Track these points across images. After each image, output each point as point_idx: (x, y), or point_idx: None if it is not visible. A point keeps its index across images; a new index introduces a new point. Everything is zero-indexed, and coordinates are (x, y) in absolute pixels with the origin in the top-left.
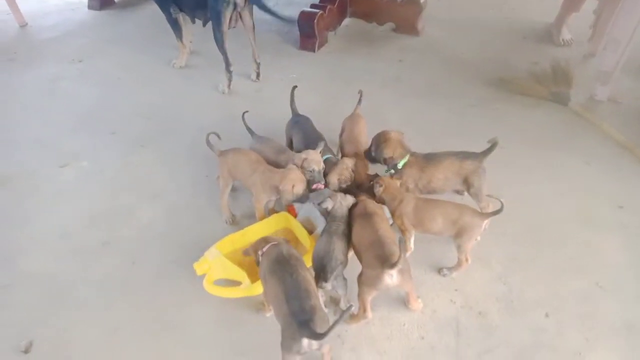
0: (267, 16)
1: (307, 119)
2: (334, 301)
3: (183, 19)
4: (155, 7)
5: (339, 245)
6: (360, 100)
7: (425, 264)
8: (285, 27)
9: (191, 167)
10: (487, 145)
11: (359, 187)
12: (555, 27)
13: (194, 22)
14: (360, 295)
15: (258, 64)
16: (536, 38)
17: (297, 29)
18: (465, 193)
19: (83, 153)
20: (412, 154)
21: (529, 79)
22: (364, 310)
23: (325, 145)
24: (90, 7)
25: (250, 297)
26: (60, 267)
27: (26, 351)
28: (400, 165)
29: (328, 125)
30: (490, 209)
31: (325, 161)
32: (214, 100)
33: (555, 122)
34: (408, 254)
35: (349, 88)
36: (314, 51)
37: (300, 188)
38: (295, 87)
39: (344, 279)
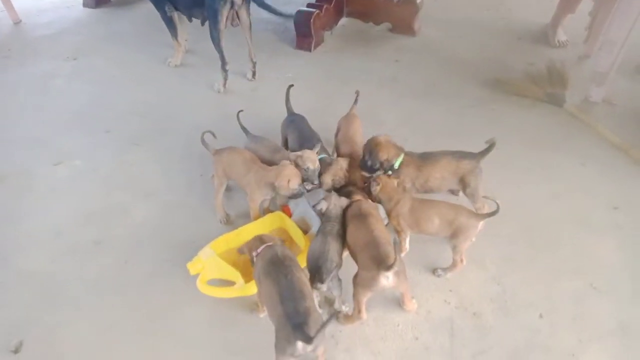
0: (264, 15)
1: (302, 118)
2: (328, 302)
3: (178, 17)
4: (150, 5)
5: (333, 245)
6: (356, 100)
7: (420, 265)
8: (281, 26)
9: (186, 166)
10: (484, 146)
11: (354, 185)
12: (551, 28)
13: (190, 20)
14: (355, 296)
15: (254, 63)
16: (532, 39)
17: (294, 28)
18: (460, 193)
19: (77, 151)
20: (407, 153)
21: (525, 80)
22: (359, 311)
23: (321, 145)
24: (85, 4)
25: (244, 297)
26: (52, 265)
27: (16, 351)
28: (396, 165)
29: (324, 125)
30: (486, 210)
31: (320, 161)
32: (209, 99)
33: (550, 123)
34: (403, 254)
35: (345, 88)
36: (310, 50)
37: (295, 183)
38: (291, 86)
39: (339, 279)
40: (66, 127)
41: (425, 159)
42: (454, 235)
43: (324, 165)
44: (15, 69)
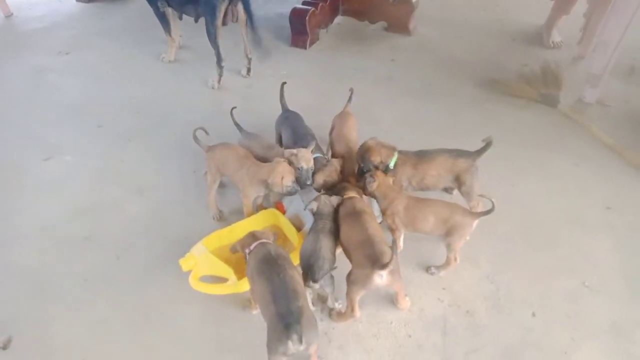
0: (260, 12)
1: (297, 115)
2: (321, 299)
3: (172, 13)
4: (144, 1)
5: (326, 243)
6: (350, 98)
7: (414, 263)
8: (277, 23)
9: (179, 163)
10: (479, 145)
11: (348, 182)
12: (546, 30)
13: (181, 18)
14: (348, 294)
15: (249, 60)
16: (527, 40)
17: (289, 26)
18: (454, 192)
19: (68, 146)
20: (401, 152)
21: (519, 81)
22: (352, 309)
23: (316, 143)
24: None
25: (236, 294)
26: (42, 260)
27: (4, 347)
28: (392, 165)
29: (319, 123)
30: (480, 208)
31: (314, 160)
32: (203, 96)
33: (544, 124)
34: (397, 251)
35: (340, 86)
36: (305, 48)
37: (288, 180)
38: (284, 83)
39: (332, 277)
40: (58, 122)
41: (421, 157)
42: (449, 233)
43: (318, 165)
44: (7, 62)
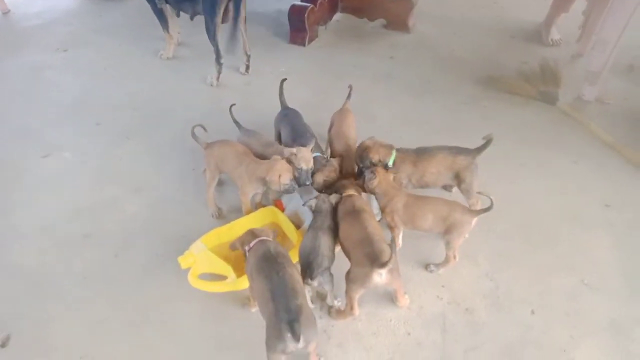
0: (259, 9)
1: (296, 113)
2: (320, 297)
3: (170, 10)
4: None
5: (324, 240)
6: (349, 95)
7: (413, 260)
8: (275, 20)
9: (178, 160)
10: (477, 142)
11: (347, 179)
12: (545, 27)
13: (178, 15)
14: (347, 293)
15: (248, 56)
16: (525, 37)
17: (288, 23)
18: (454, 189)
19: (66, 144)
20: (399, 149)
21: (518, 78)
22: (351, 308)
23: (315, 141)
24: None
25: (235, 291)
26: (41, 259)
27: (3, 345)
28: (390, 163)
29: (318, 120)
30: (479, 206)
31: (313, 158)
32: (202, 93)
33: (543, 121)
34: (396, 249)
35: (339, 83)
36: (304, 45)
37: (287, 178)
38: (284, 79)
39: (331, 274)
40: (56, 119)
41: (420, 154)
42: (448, 231)
43: (317, 164)
44: (4, 59)
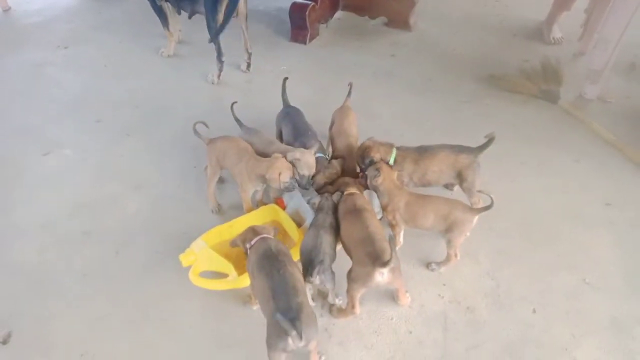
0: (260, 7)
1: (297, 111)
2: (321, 295)
3: (170, 7)
4: None
5: (326, 238)
6: (349, 92)
7: (414, 259)
8: (277, 18)
9: (178, 157)
10: (478, 141)
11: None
12: (546, 25)
13: (179, 13)
14: (349, 292)
15: (250, 54)
16: (527, 36)
17: (289, 21)
18: (455, 188)
19: (67, 141)
20: (400, 148)
21: (520, 76)
22: (352, 306)
23: (320, 145)
24: None
25: (236, 289)
26: (41, 256)
27: (4, 342)
28: (391, 161)
29: (319, 118)
30: (481, 205)
31: (316, 159)
32: (203, 90)
33: (545, 120)
34: (397, 247)
35: (340, 81)
36: (305, 43)
37: (287, 176)
38: (286, 78)
39: (332, 272)
40: (56, 117)
41: (422, 152)
42: (449, 229)
43: (320, 165)
44: (4, 57)
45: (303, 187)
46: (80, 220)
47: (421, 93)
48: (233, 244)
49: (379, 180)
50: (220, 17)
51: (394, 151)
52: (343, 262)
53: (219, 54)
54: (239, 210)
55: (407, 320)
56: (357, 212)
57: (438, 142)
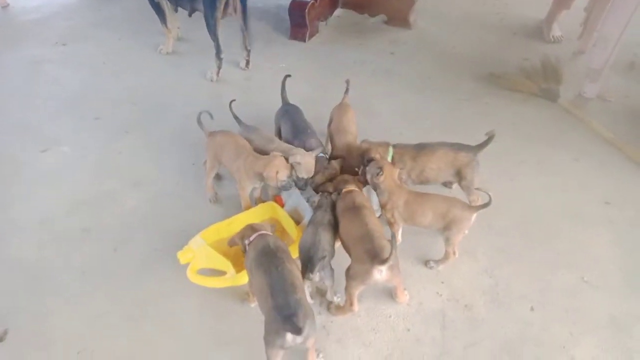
0: (259, 4)
1: (296, 109)
2: (320, 292)
3: (167, 4)
4: None
5: (325, 235)
6: (347, 90)
7: (412, 256)
8: (276, 15)
9: (177, 155)
10: (478, 139)
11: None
12: (546, 24)
13: (176, 10)
14: (347, 289)
15: (248, 51)
16: (527, 34)
17: (289, 18)
18: (454, 186)
19: (65, 138)
20: (397, 145)
21: (519, 75)
22: (351, 304)
23: (321, 144)
24: None
25: (234, 287)
26: (39, 253)
27: (1, 339)
28: (389, 159)
29: (318, 115)
30: (479, 202)
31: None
32: (201, 88)
33: (544, 118)
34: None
35: (339, 79)
36: (304, 41)
37: (283, 175)
38: (287, 76)
39: (331, 269)
40: (54, 114)
41: (420, 149)
42: (447, 227)
43: (319, 165)
44: (3, 53)
45: (300, 188)
46: (79, 217)
47: (421, 91)
48: (231, 243)
49: (381, 178)
50: (219, 13)
51: (391, 150)
52: (342, 259)
53: (218, 51)
54: (238, 209)
55: (406, 318)
56: (356, 210)
57: (437, 139)
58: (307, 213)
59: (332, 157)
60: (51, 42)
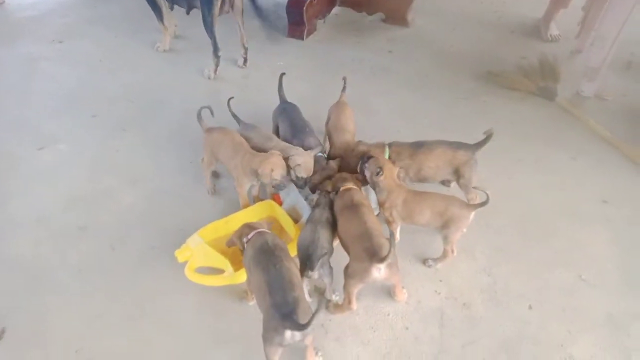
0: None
1: (294, 107)
2: (318, 290)
3: (164, 1)
4: None
5: (323, 233)
6: (344, 87)
7: (411, 255)
8: (274, 13)
9: (174, 152)
10: (475, 137)
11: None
12: (544, 23)
13: (171, 8)
14: (346, 287)
15: (246, 49)
16: (524, 33)
17: (286, 16)
18: (452, 184)
19: (62, 136)
20: (393, 144)
21: (517, 73)
22: (349, 302)
23: (320, 144)
24: None
25: (232, 285)
26: (36, 251)
27: None
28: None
29: (316, 114)
30: (478, 201)
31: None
32: (199, 86)
33: (542, 117)
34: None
35: (337, 77)
36: (302, 39)
37: (278, 173)
38: (283, 74)
39: (330, 267)
40: (51, 111)
41: (418, 147)
42: (446, 225)
43: (318, 165)
44: None
45: (298, 187)
46: (76, 215)
47: (418, 89)
48: (229, 243)
49: (381, 177)
50: (217, 10)
51: (387, 149)
52: (340, 257)
53: (215, 49)
54: (235, 205)
55: (404, 316)
56: (354, 208)
57: (435, 138)
58: (305, 211)
59: (330, 156)
60: (47, 39)
